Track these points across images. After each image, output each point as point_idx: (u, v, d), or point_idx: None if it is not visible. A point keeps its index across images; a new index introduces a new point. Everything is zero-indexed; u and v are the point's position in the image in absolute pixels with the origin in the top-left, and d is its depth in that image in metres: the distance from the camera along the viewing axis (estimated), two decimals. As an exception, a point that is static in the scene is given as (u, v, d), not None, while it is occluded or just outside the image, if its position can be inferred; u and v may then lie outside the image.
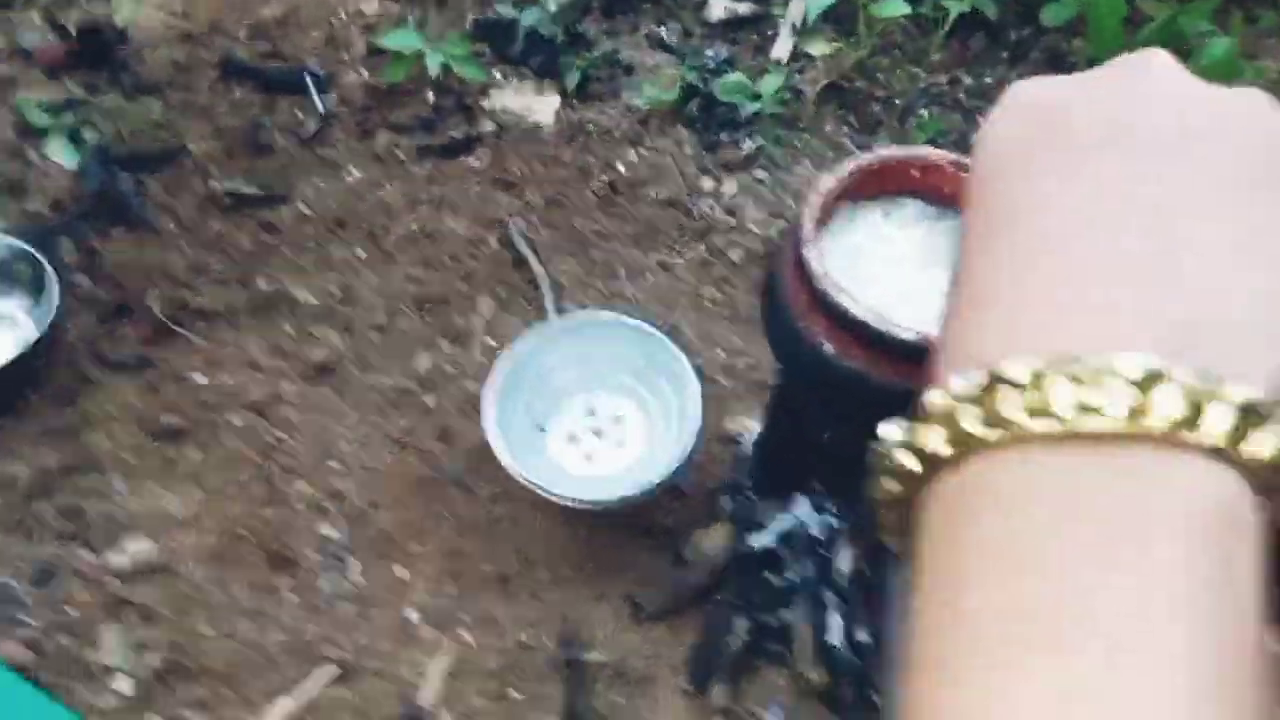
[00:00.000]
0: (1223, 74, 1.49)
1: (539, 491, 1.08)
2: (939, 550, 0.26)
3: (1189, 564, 0.23)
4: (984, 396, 0.25)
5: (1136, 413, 0.23)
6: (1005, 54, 1.73)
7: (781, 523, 1.09)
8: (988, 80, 1.69)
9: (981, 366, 0.25)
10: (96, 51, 1.63)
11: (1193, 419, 0.23)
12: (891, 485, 0.28)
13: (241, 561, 1.16)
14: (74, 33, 1.64)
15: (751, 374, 1.33)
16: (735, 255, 1.46)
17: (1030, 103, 0.32)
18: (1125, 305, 0.25)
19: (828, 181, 0.86)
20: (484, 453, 1.23)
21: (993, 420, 0.25)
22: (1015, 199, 0.29)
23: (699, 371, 1.28)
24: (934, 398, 0.26)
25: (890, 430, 0.28)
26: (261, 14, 1.75)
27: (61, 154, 1.44)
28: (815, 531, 1.07)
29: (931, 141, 1.56)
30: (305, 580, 1.15)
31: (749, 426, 1.25)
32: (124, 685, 1.07)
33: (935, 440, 0.26)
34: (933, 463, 0.27)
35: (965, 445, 0.25)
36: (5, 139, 1.54)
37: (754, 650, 1.08)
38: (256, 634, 1.11)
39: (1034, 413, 0.24)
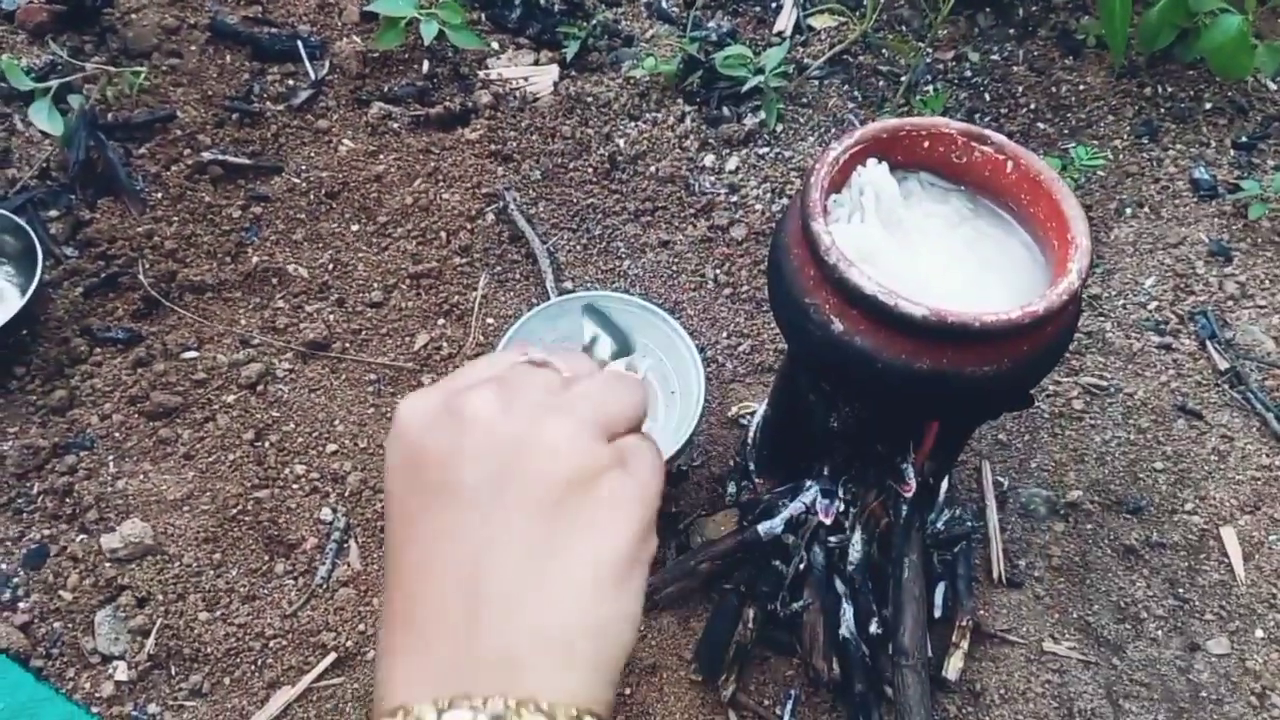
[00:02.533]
0: (1233, 52, 1.47)
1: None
2: None
3: None
4: None
5: None
6: (1012, 31, 1.70)
7: (789, 509, 1.07)
8: (994, 56, 1.67)
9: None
10: (83, 14, 1.58)
11: None
12: None
13: (237, 545, 1.14)
14: (58, -6, 1.59)
15: (755, 356, 1.31)
16: (738, 232, 1.44)
17: (403, 434, 0.38)
18: (460, 654, 0.33)
19: (835, 151, 0.84)
20: (484, 434, 1.21)
21: None
22: (398, 538, 0.37)
23: (701, 353, 1.26)
24: None
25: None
26: (251, -23, 1.70)
27: (47, 120, 1.39)
28: (824, 518, 1.06)
29: (939, 116, 1.54)
30: (303, 564, 1.13)
31: (753, 410, 1.23)
32: (120, 672, 1.05)
33: None
34: None
35: None
36: (-12, 105, 1.50)
37: (763, 640, 1.07)
38: (254, 619, 1.09)
39: None
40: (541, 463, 0.36)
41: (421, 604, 0.35)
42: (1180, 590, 1.16)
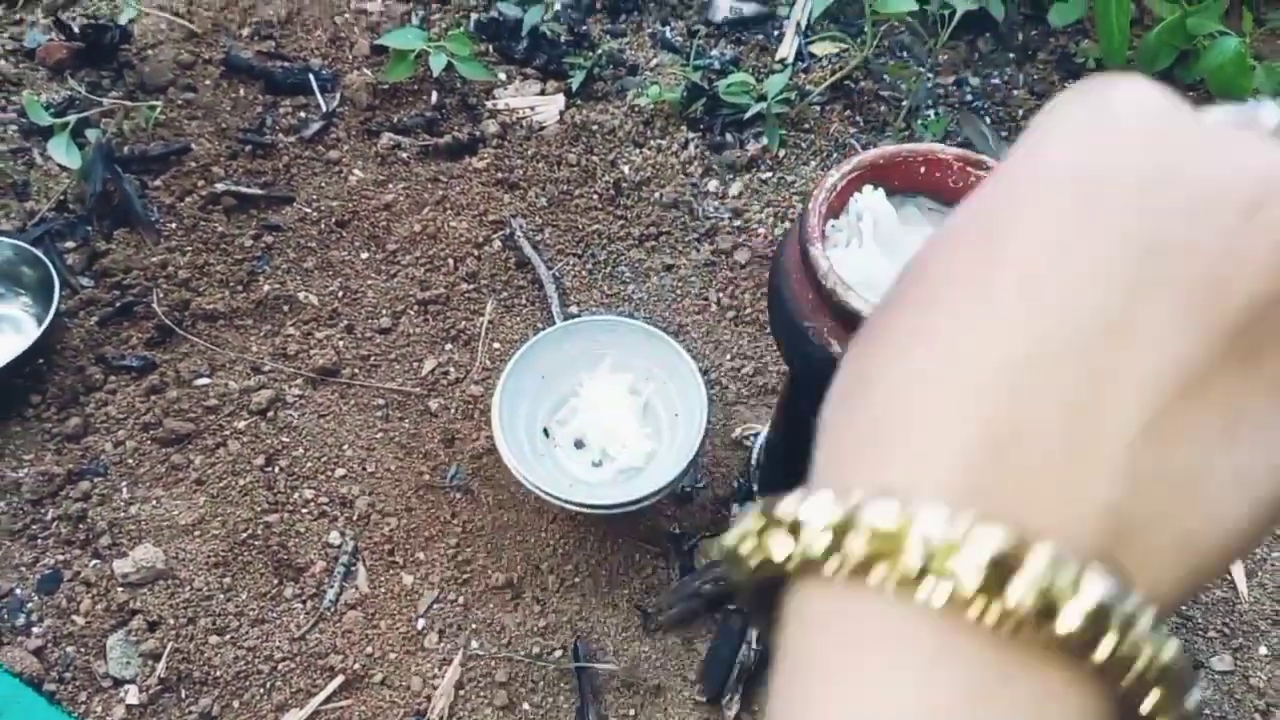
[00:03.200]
0: (1232, 73, 1.48)
1: (546, 497, 1.07)
2: (780, 658, 0.25)
3: None
4: (841, 525, 0.23)
5: (983, 593, 0.22)
6: (1012, 55, 1.72)
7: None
8: (994, 81, 1.69)
9: (858, 486, 0.24)
10: (100, 51, 1.62)
11: (1087, 635, 0.22)
12: (744, 565, 0.26)
13: (247, 569, 1.15)
14: (78, 32, 1.63)
15: (758, 378, 1.33)
16: (741, 257, 1.45)
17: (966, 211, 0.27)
18: (1034, 469, 0.23)
19: (833, 177, 0.85)
20: (490, 457, 1.23)
21: (841, 552, 0.23)
22: (921, 320, 0.26)
23: (704, 375, 1.28)
24: (787, 506, 0.25)
25: (747, 520, 0.26)
26: (265, 13, 1.74)
27: (64, 154, 1.43)
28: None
29: (939, 142, 1.55)
30: (311, 588, 1.14)
31: (757, 431, 1.24)
32: (131, 695, 1.06)
33: (777, 547, 0.24)
34: (768, 568, 0.25)
35: (801, 565, 0.24)
36: (9, 139, 1.53)
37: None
38: (263, 643, 1.10)
39: (876, 560, 0.23)
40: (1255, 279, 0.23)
41: (969, 385, 0.24)
42: (1183, 607, 1.16)
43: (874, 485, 0.24)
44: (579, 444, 1.18)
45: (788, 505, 0.25)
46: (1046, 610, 0.21)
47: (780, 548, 0.24)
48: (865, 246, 0.87)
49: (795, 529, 0.24)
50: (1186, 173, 0.24)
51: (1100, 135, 0.25)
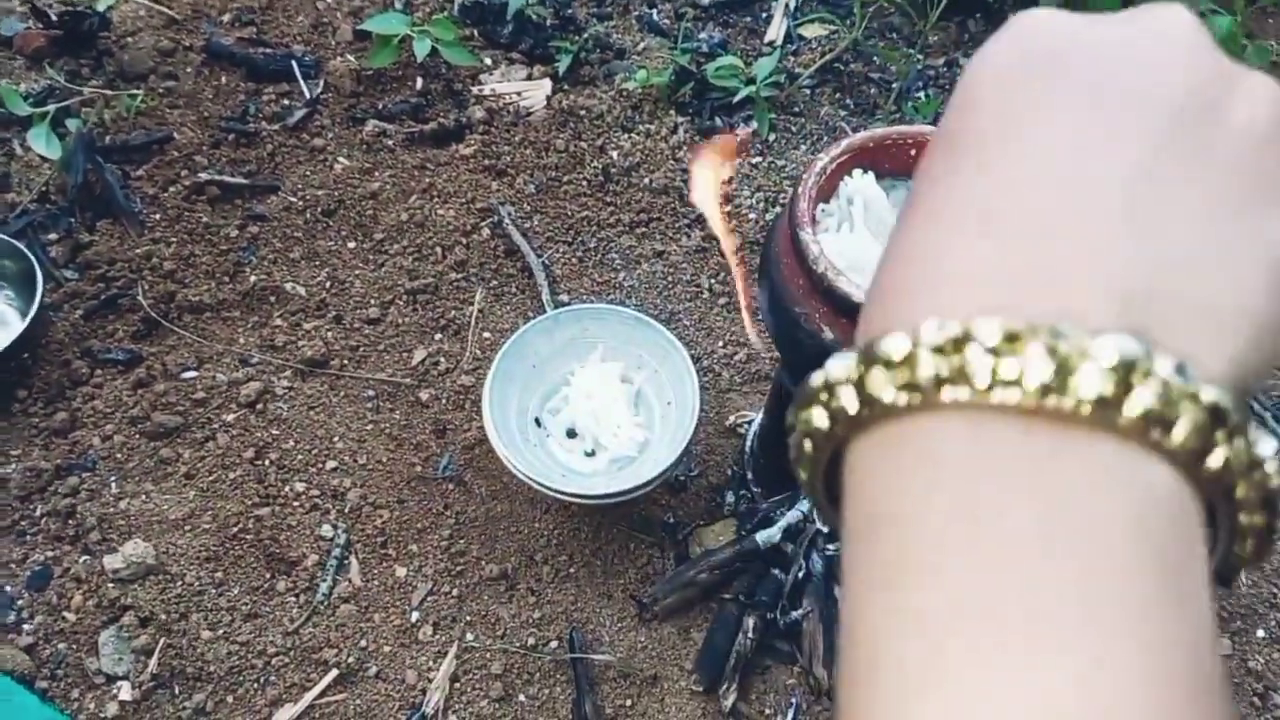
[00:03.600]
0: (1225, 51, 1.47)
1: (538, 487, 1.07)
2: (880, 507, 0.25)
3: (1138, 564, 0.22)
4: (951, 351, 0.24)
5: (1107, 403, 0.22)
6: (1001, 34, 1.71)
7: (787, 517, 1.08)
8: (984, 62, 1.68)
9: (951, 317, 0.24)
10: (79, 39, 1.60)
11: (1161, 417, 0.23)
12: (820, 421, 0.26)
13: (239, 563, 1.14)
14: (56, 19, 1.60)
15: (751, 365, 1.32)
16: (732, 242, 1.44)
17: (1031, 35, 0.29)
18: (1094, 279, 0.24)
19: (822, 161, 0.84)
20: (482, 448, 1.22)
21: (955, 378, 0.23)
22: (989, 138, 0.28)
23: (697, 362, 1.27)
24: (896, 341, 0.24)
25: (837, 366, 0.26)
26: (245, -1, 1.72)
27: (45, 145, 1.41)
28: (822, 525, 1.06)
29: (930, 124, 1.55)
30: (304, 581, 1.13)
31: (751, 418, 1.24)
32: (124, 692, 1.05)
33: (886, 386, 0.25)
34: (875, 409, 0.25)
35: (918, 398, 0.24)
36: (-14, 130, 1.51)
37: (763, 649, 1.07)
38: (256, 638, 1.09)
39: (999, 381, 0.23)
40: (1256, 109, 0.27)
41: (1012, 212, 0.26)
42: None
43: (972, 311, 0.24)
44: (571, 433, 1.17)
45: (893, 342, 0.25)
46: (1167, 417, 0.22)
47: (886, 385, 0.24)
48: (856, 230, 0.86)
49: (909, 361, 0.24)
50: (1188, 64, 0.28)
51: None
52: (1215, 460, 0.23)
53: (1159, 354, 0.23)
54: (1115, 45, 0.28)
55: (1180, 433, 0.23)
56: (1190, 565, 0.23)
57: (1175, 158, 0.26)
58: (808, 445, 0.27)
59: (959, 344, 0.23)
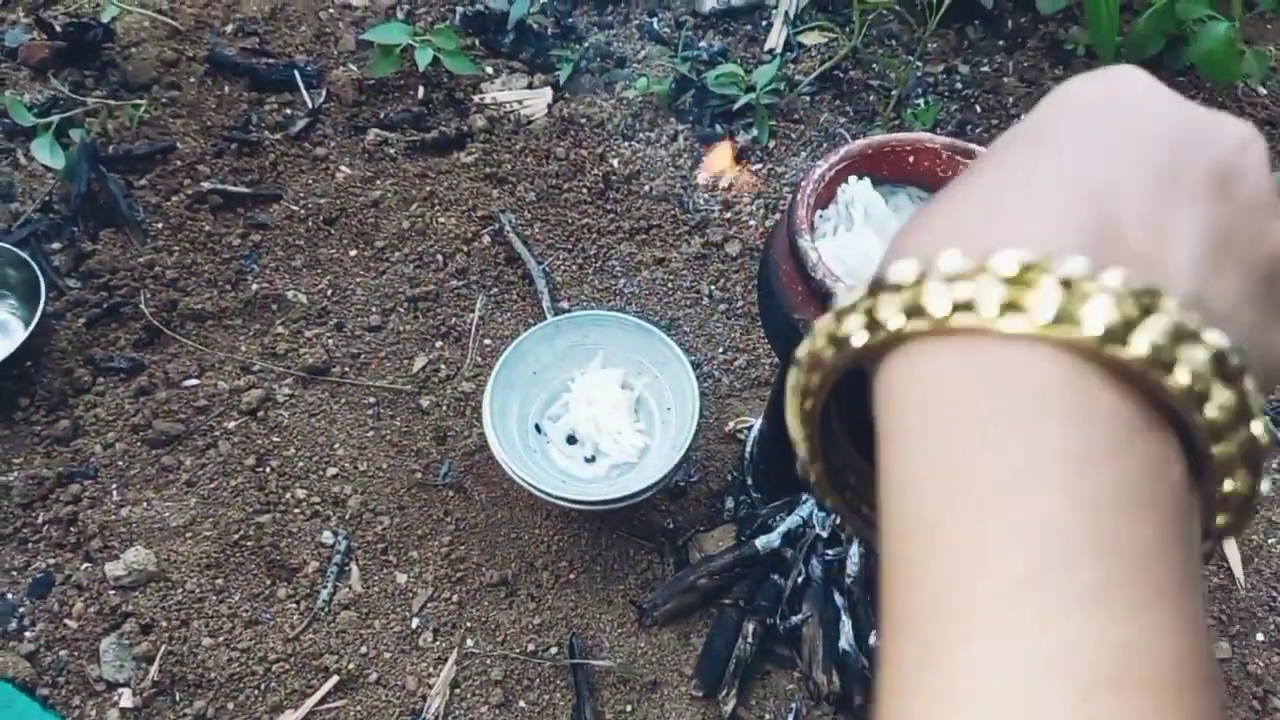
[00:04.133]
0: (1221, 58, 1.48)
1: (539, 493, 1.07)
2: (893, 426, 0.27)
3: (1140, 489, 0.24)
4: (960, 281, 0.25)
5: (1114, 334, 0.24)
6: (1001, 42, 1.72)
7: (786, 523, 1.08)
8: (984, 69, 1.68)
9: (970, 253, 0.26)
10: (83, 49, 1.61)
11: (1165, 351, 0.24)
12: (825, 351, 0.28)
13: (240, 570, 1.15)
14: (60, 30, 1.61)
15: (751, 371, 1.32)
16: (732, 249, 1.45)
17: (1113, 85, 0.31)
18: (1107, 217, 0.26)
19: (821, 168, 0.85)
20: (482, 454, 1.22)
21: (964, 306, 0.25)
22: (1056, 130, 0.30)
23: (697, 368, 1.27)
24: (905, 268, 0.26)
25: (844, 296, 0.28)
26: (248, 9, 1.73)
27: (48, 155, 1.42)
28: (821, 531, 1.06)
29: (929, 131, 1.55)
30: (304, 588, 1.14)
31: (750, 425, 1.24)
32: (125, 699, 1.06)
33: (893, 312, 0.26)
34: (883, 334, 0.27)
35: (924, 323, 0.26)
36: (-10, 141, 1.52)
37: (763, 655, 1.07)
38: (257, 644, 1.10)
39: (1006, 308, 0.25)
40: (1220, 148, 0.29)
41: (1059, 178, 0.27)
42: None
43: (1000, 242, 0.26)
44: (571, 439, 1.18)
45: (904, 268, 0.26)
46: (1168, 358, 0.24)
47: (897, 311, 0.26)
48: (856, 229, 0.87)
49: (918, 287, 0.26)
50: (1197, 114, 0.30)
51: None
52: (1211, 411, 0.24)
53: (1167, 294, 0.24)
54: (1194, 128, 0.29)
55: (1182, 377, 0.24)
56: (1177, 497, 0.25)
57: (1165, 190, 0.27)
58: (811, 378, 0.29)
59: (967, 275, 0.25)
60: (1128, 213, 0.26)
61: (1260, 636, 1.13)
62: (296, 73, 1.63)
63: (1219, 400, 0.24)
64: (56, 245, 1.42)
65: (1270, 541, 1.19)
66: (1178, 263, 0.26)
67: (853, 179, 0.88)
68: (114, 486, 1.21)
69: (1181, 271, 0.26)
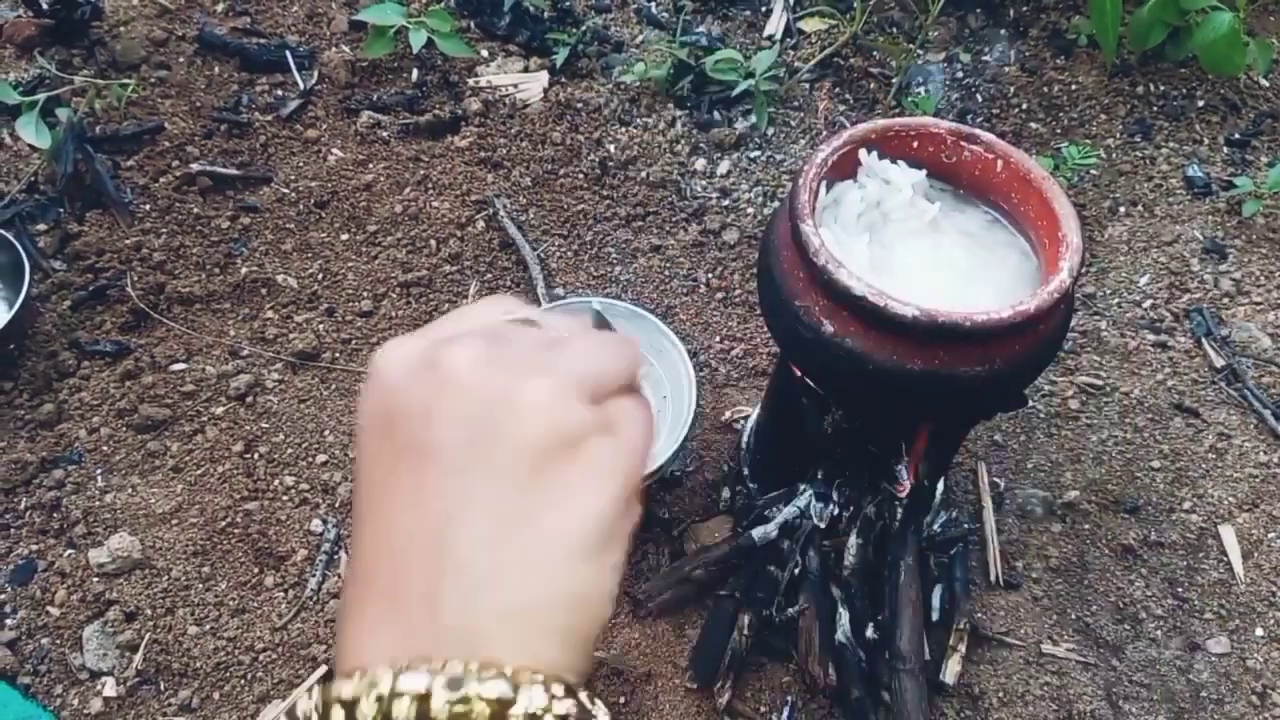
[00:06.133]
0: (1224, 50, 1.46)
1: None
2: None
3: None
4: (367, 692, 0.30)
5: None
6: (1004, 31, 1.70)
7: (783, 514, 1.06)
8: (985, 57, 1.66)
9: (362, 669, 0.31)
10: (71, 28, 1.58)
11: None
12: None
13: (227, 557, 1.13)
14: (47, 8, 1.58)
15: (748, 360, 1.30)
16: (729, 237, 1.43)
17: (381, 388, 0.36)
18: (424, 623, 0.32)
19: (823, 153, 0.83)
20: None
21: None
22: (362, 500, 0.35)
23: (693, 357, 1.26)
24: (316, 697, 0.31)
25: (305, 702, 0.32)
26: (239, -12, 1.70)
27: (34, 134, 1.39)
28: (819, 522, 1.05)
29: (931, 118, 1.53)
30: (293, 576, 1.12)
31: (747, 414, 1.22)
32: (109, 688, 1.03)
33: None
34: None
35: None
36: (-26, 119, 1.49)
37: (759, 646, 1.06)
38: (244, 633, 1.08)
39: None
40: (520, 425, 0.33)
41: (386, 569, 0.33)
42: (1179, 589, 1.15)
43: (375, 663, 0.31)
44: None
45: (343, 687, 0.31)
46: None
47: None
48: (857, 224, 0.85)
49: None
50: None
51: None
52: None
53: (438, 679, 0.30)
54: (421, 401, 0.34)
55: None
56: None
57: (469, 496, 0.33)
58: None
59: (370, 688, 0.30)
60: (483, 601, 0.32)
61: (1260, 631, 1.12)
62: (288, 53, 1.61)
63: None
64: (42, 226, 1.39)
65: (1270, 536, 1.18)
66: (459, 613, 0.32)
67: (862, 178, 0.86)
68: (98, 472, 1.18)
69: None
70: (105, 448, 1.20)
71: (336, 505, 1.17)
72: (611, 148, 1.52)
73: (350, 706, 0.30)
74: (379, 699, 0.30)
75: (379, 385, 0.36)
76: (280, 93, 1.57)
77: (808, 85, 1.61)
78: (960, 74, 1.64)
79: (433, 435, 0.33)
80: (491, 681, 0.30)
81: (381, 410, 0.35)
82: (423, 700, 0.29)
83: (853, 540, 1.05)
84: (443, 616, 0.31)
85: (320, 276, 1.37)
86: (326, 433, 1.23)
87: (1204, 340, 1.34)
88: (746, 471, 1.16)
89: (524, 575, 0.32)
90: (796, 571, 1.05)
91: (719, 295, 1.37)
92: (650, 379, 1.17)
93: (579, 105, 1.57)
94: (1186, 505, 1.20)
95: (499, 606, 0.32)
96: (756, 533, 1.06)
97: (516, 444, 0.33)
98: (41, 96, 1.44)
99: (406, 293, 1.36)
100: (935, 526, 1.13)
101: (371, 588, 0.33)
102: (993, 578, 1.14)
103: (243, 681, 1.05)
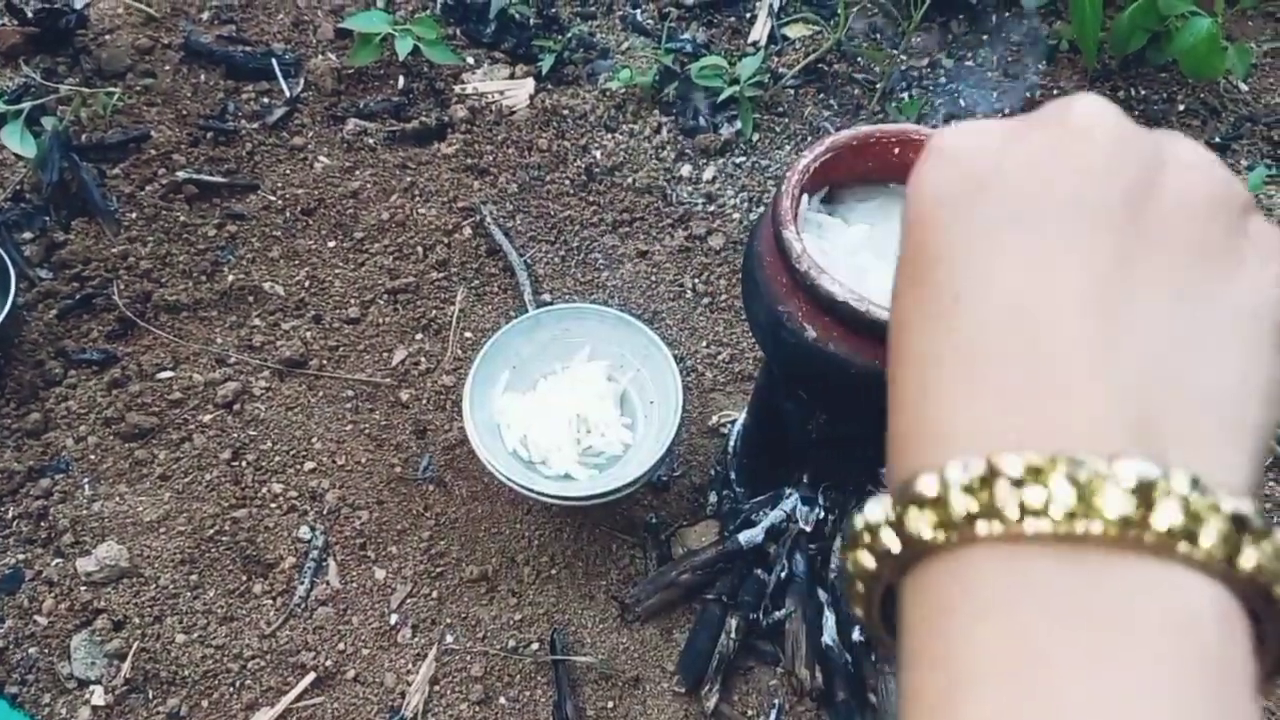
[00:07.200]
0: (1204, 54, 1.48)
1: (519, 488, 1.05)
2: (927, 644, 0.25)
3: (1186, 676, 0.22)
4: (979, 488, 0.24)
5: (1132, 522, 0.23)
6: (985, 37, 1.71)
7: (770, 518, 1.07)
8: (969, 63, 1.67)
9: (972, 454, 0.25)
10: (56, 36, 1.58)
11: (1187, 531, 0.23)
12: (867, 562, 0.27)
13: (214, 565, 1.13)
14: (31, 16, 1.58)
15: (735, 365, 1.31)
16: (715, 242, 1.44)
17: (959, 158, 0.30)
18: (1094, 397, 0.25)
19: (806, 159, 0.83)
20: (463, 448, 1.21)
21: (987, 513, 0.24)
22: (954, 270, 0.28)
23: (680, 362, 1.26)
24: (927, 483, 0.25)
25: (875, 509, 0.27)
26: (224, -4, 1.70)
27: (19, 143, 1.39)
28: (805, 526, 1.05)
29: (914, 124, 1.54)
30: (281, 584, 1.12)
31: (734, 419, 1.23)
32: (97, 697, 1.03)
33: (923, 525, 0.25)
34: (916, 547, 0.26)
35: (955, 534, 0.25)
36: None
37: (746, 650, 1.06)
38: (232, 641, 1.08)
39: (1028, 511, 0.24)
40: (1188, 181, 0.28)
41: (998, 348, 0.26)
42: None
43: (992, 448, 0.25)
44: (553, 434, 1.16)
45: (925, 482, 0.25)
46: (1192, 530, 0.23)
47: (924, 524, 0.25)
48: (839, 231, 0.86)
49: (942, 500, 0.25)
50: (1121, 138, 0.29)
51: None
52: (1247, 562, 0.23)
53: (1175, 471, 0.23)
54: (1039, 156, 0.29)
55: (1207, 543, 0.23)
56: (1235, 672, 0.23)
57: (1127, 258, 0.27)
58: (859, 585, 0.28)
59: (986, 481, 0.24)
60: (1155, 382, 0.25)
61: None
62: (274, 61, 1.61)
63: (1252, 556, 0.23)
64: (28, 235, 1.39)
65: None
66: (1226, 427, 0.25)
67: (844, 184, 0.87)
68: (86, 481, 1.18)
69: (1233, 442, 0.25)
70: (92, 456, 1.20)
71: (325, 512, 1.17)
72: (597, 154, 1.53)
73: (1020, 486, 0.24)
74: (1075, 482, 0.23)
75: (951, 155, 0.30)
76: (266, 100, 1.57)
77: (792, 91, 1.62)
78: (944, 79, 1.65)
79: (1068, 191, 0.27)
80: (1169, 498, 0.23)
81: (956, 178, 0.29)
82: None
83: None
84: (1100, 404, 0.25)
85: (307, 284, 1.38)
86: (314, 440, 1.23)
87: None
88: (733, 476, 1.16)
89: (1211, 358, 0.26)
90: (783, 575, 1.06)
91: (705, 300, 1.38)
92: (637, 384, 1.17)
93: (565, 112, 1.58)
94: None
95: (1180, 393, 0.25)
96: (743, 537, 1.07)
97: (1186, 203, 0.28)
98: (26, 105, 1.44)
99: (394, 299, 1.36)
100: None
101: (984, 371, 0.26)
102: (978, 580, 1.14)
103: (231, 689, 1.05)
